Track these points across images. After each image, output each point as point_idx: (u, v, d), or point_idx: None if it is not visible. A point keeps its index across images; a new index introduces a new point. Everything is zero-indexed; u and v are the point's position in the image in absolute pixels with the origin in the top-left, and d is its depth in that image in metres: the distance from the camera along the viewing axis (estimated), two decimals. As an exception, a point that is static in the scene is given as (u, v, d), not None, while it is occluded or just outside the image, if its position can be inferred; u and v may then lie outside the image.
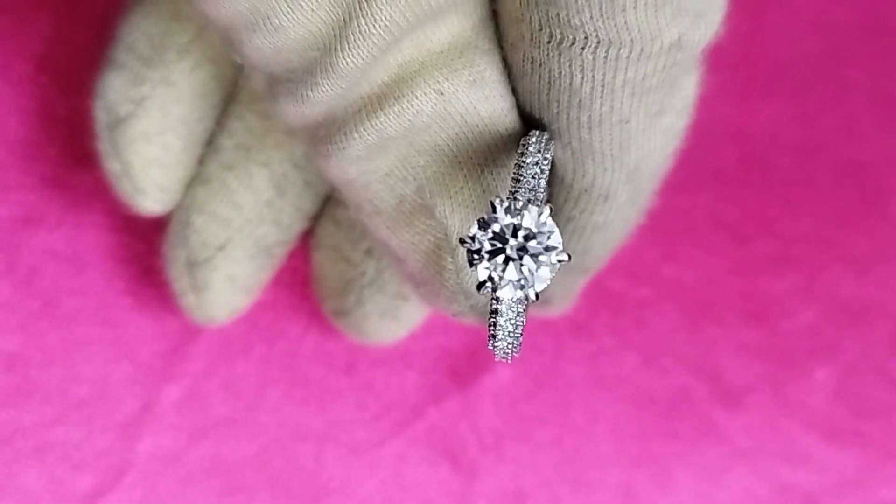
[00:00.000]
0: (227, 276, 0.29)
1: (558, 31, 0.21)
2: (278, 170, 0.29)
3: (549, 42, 0.22)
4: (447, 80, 0.23)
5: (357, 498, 0.31)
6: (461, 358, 0.32)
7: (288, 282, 0.31)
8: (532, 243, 0.22)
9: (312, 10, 0.21)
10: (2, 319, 0.31)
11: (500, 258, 0.22)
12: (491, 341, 0.23)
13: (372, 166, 0.23)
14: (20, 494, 0.30)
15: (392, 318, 0.29)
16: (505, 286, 0.22)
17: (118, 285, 0.31)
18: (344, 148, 0.23)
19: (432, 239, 0.24)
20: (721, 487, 0.31)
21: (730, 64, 0.33)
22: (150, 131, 0.28)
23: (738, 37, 0.33)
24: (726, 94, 0.33)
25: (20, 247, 0.31)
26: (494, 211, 0.22)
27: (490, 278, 0.22)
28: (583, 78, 0.22)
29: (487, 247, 0.22)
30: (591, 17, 0.21)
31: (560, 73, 0.22)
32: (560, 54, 0.22)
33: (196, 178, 0.29)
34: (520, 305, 0.23)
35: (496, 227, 0.22)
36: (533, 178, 0.22)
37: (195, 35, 0.28)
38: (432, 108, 0.23)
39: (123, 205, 0.29)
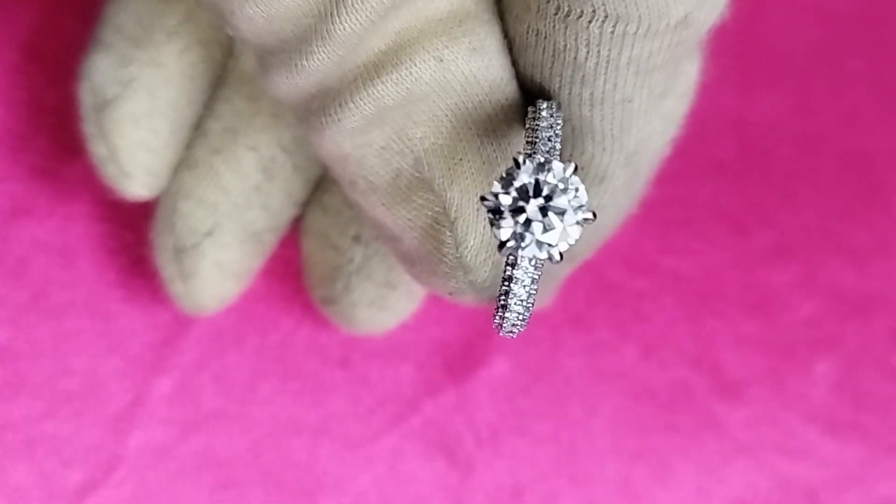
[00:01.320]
0: (215, 262, 0.28)
1: (566, 3, 0.21)
2: (266, 153, 0.29)
3: (555, 14, 0.21)
4: (447, 47, 0.22)
5: (351, 493, 0.31)
6: (457, 351, 0.31)
7: (281, 273, 0.31)
8: (557, 200, 0.21)
9: None
10: (-10, 311, 0.30)
11: (524, 216, 0.21)
12: (499, 313, 0.22)
13: (367, 139, 0.23)
14: (9, 490, 0.30)
15: (380, 308, 0.29)
16: (528, 245, 0.21)
17: (108, 277, 0.31)
18: (339, 119, 0.22)
19: (430, 213, 0.23)
20: (721, 481, 0.31)
21: (730, 54, 0.33)
22: (138, 113, 0.28)
23: (739, 26, 0.33)
24: (726, 83, 0.33)
25: (9, 238, 0.31)
26: (518, 167, 0.21)
27: (514, 236, 0.21)
28: (588, 52, 0.22)
29: (510, 204, 0.21)
30: None
31: (565, 46, 0.22)
32: (566, 27, 0.21)
33: (183, 163, 0.29)
34: (536, 271, 0.22)
35: (519, 183, 0.21)
36: (549, 140, 0.22)
37: (184, 17, 0.28)
38: (431, 75, 0.22)
39: (113, 195, 0.29)
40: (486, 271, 0.24)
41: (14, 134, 0.31)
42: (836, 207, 0.32)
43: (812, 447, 0.31)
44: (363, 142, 0.23)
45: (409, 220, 0.24)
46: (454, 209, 0.23)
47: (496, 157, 0.23)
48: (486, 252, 0.24)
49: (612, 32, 0.21)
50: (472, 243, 0.23)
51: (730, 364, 0.31)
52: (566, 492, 0.31)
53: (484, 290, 0.24)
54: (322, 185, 0.30)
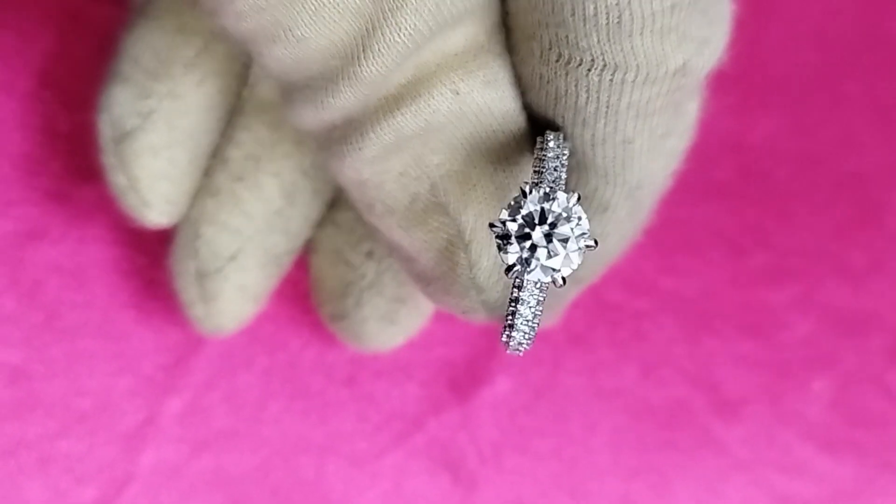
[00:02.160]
0: (237, 285, 0.29)
1: (566, 51, 0.22)
2: (288, 179, 0.29)
3: (557, 61, 0.22)
4: (462, 80, 0.23)
5: (358, 509, 0.31)
6: (461, 370, 0.32)
7: (289, 294, 0.32)
8: (561, 228, 0.22)
9: (335, 21, 0.21)
10: (5, 333, 0.31)
11: (529, 242, 0.22)
12: (507, 332, 0.23)
13: (386, 166, 0.24)
14: (24, 507, 0.30)
15: (390, 322, 0.30)
16: (533, 269, 0.22)
17: (121, 298, 0.32)
18: (360, 148, 0.23)
19: (445, 236, 0.24)
20: (719, 498, 0.31)
21: (728, 76, 0.33)
22: (157, 145, 0.28)
23: (736, 49, 0.34)
24: (724, 106, 0.33)
25: (24, 260, 0.31)
26: (524, 196, 0.22)
27: (520, 261, 0.22)
28: (588, 98, 0.22)
29: (516, 230, 0.22)
30: (598, 41, 0.21)
31: (566, 91, 0.22)
32: (567, 73, 0.22)
33: (204, 190, 0.29)
34: (540, 293, 0.23)
35: (525, 212, 0.22)
36: (555, 170, 0.23)
37: (201, 48, 0.29)
38: (448, 107, 0.23)
39: (126, 218, 0.29)
40: (497, 291, 0.25)
41: (29, 159, 0.32)
42: (832, 228, 0.33)
43: (808, 464, 0.32)
44: (382, 168, 0.24)
45: (425, 241, 0.24)
46: (468, 232, 0.24)
47: (508, 183, 0.24)
48: (498, 273, 0.24)
49: (611, 80, 0.22)
50: (484, 264, 0.24)
51: (728, 382, 0.32)
52: (567, 508, 0.32)
53: (495, 308, 0.25)
54: (335, 203, 0.30)
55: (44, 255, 0.32)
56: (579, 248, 0.22)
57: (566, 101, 0.23)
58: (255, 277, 0.29)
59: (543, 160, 0.23)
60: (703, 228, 0.32)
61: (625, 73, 0.22)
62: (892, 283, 0.32)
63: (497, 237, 0.22)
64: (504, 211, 0.22)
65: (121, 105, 0.29)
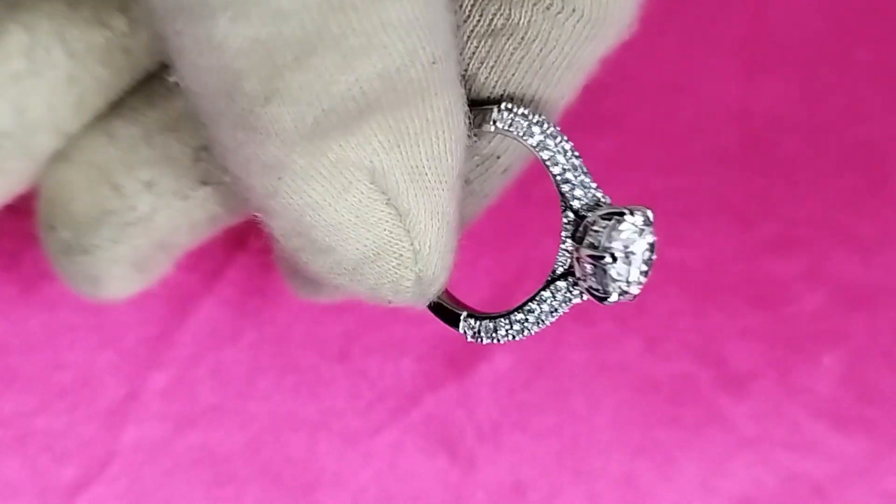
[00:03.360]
0: None
1: None
2: (42, 40, 0.23)
3: (535, 5, 0.22)
4: None
5: (351, 489, 0.30)
6: (458, 345, 0.31)
7: (276, 267, 0.30)
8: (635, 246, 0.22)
9: None
10: (-19, 305, 0.30)
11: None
12: (509, 333, 0.23)
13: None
14: (1, 485, 0.29)
15: (140, 270, 0.25)
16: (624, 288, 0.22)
17: (102, 269, 0.30)
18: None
19: (384, 228, 0.22)
20: (726, 476, 0.30)
21: (734, 43, 0.32)
22: None
23: (743, 16, 0.33)
24: (730, 73, 0.32)
25: (0, 232, 0.30)
26: (626, 215, 0.21)
27: (623, 280, 0.22)
28: (555, 47, 0.22)
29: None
30: None
31: (537, 37, 0.22)
32: (544, 19, 0.22)
33: None
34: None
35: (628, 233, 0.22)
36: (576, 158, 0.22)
37: None
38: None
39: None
40: (435, 262, 0.23)
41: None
42: (841, 198, 0.32)
43: (818, 441, 0.31)
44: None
45: (356, 235, 0.22)
46: (418, 222, 0.22)
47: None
48: (439, 242, 0.23)
49: (582, 33, 0.22)
50: (434, 255, 0.23)
51: (734, 357, 0.31)
52: (569, 487, 0.30)
53: (430, 299, 0.23)
54: (116, 111, 0.25)
55: (20, 225, 0.30)
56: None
57: (532, 48, 0.22)
58: None
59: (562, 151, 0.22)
60: (708, 198, 0.32)
61: (596, 28, 0.22)
62: (903, 254, 0.32)
63: (601, 264, 0.22)
64: (612, 235, 0.21)
65: None
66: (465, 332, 0.23)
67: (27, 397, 0.29)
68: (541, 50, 0.22)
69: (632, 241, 0.21)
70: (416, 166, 0.22)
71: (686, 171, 0.31)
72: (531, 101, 0.23)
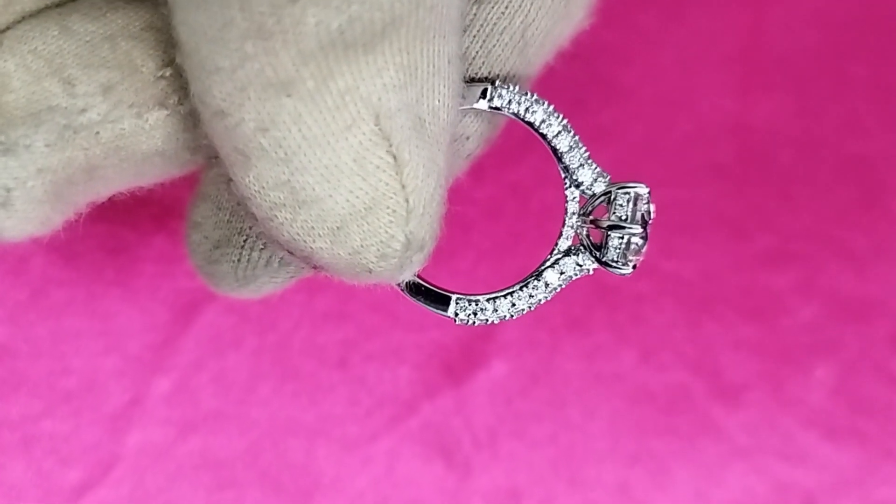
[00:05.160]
0: None
1: None
2: None
3: None
4: None
5: (349, 494, 0.30)
6: (455, 353, 0.31)
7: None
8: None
9: None
10: (-11, 310, 0.30)
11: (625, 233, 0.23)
12: (490, 301, 0.23)
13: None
14: (6, 488, 0.29)
15: (55, 199, 0.22)
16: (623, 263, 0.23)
17: (107, 276, 0.31)
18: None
19: (382, 178, 0.21)
20: (719, 485, 0.31)
21: (730, 58, 0.33)
22: None
23: (739, 31, 0.33)
24: (726, 87, 0.33)
25: (9, 237, 0.31)
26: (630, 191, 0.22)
27: (619, 252, 0.23)
28: (534, 19, 0.22)
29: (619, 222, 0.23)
30: None
31: (520, 6, 0.22)
32: None
33: None
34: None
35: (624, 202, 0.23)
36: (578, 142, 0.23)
37: None
38: None
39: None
40: (427, 222, 0.21)
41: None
42: (835, 212, 0.32)
43: (810, 452, 0.31)
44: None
45: (350, 184, 0.20)
46: (405, 151, 0.21)
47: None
48: (434, 205, 0.21)
49: (559, 10, 0.22)
50: (426, 217, 0.21)
51: (729, 368, 0.31)
52: (564, 494, 0.31)
53: (413, 270, 0.22)
54: (76, 5, 0.22)
55: (29, 232, 0.31)
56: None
57: (514, 19, 0.22)
58: None
59: (560, 132, 0.23)
60: (704, 211, 0.32)
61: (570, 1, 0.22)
62: (896, 268, 0.32)
63: (619, 239, 0.23)
64: (624, 208, 0.22)
65: None
66: (455, 313, 0.23)
67: (33, 401, 0.30)
68: (521, 21, 0.22)
69: (649, 214, 0.23)
70: (420, 116, 0.21)
71: (682, 184, 0.32)
72: (509, 78, 0.23)
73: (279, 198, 0.20)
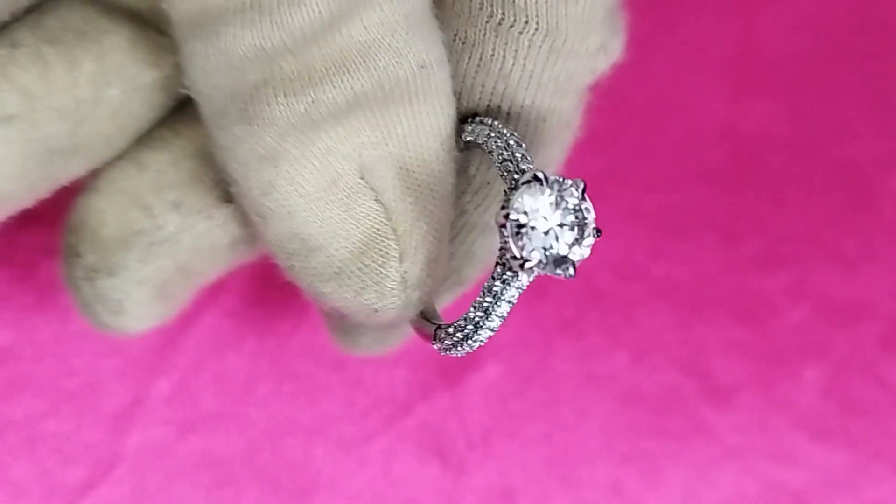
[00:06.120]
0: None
1: (499, 10, 0.22)
2: (112, 69, 0.24)
3: (487, 21, 0.22)
4: (426, 51, 0.22)
5: (345, 493, 0.31)
6: (450, 356, 0.32)
7: (278, 278, 0.31)
8: (582, 219, 0.21)
9: None
10: (-5, 313, 0.31)
11: (553, 235, 0.21)
12: (474, 333, 0.22)
13: (314, 137, 0.22)
14: (10, 486, 0.30)
15: (161, 297, 0.25)
16: (547, 264, 0.21)
17: (111, 280, 0.31)
18: (290, 106, 0.22)
19: (372, 224, 0.23)
20: (709, 485, 0.31)
21: (722, 63, 0.33)
22: None
23: (731, 36, 0.34)
24: (717, 92, 0.33)
25: (16, 242, 0.31)
26: (541, 183, 0.21)
27: (544, 256, 0.21)
28: (514, 63, 0.22)
29: (536, 223, 0.21)
30: (536, 1, 0.22)
31: (493, 54, 0.22)
32: (497, 35, 0.22)
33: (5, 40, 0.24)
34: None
35: (542, 203, 0.21)
36: (521, 155, 0.22)
37: None
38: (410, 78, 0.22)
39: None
40: (426, 287, 0.23)
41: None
42: (826, 215, 0.32)
43: (800, 452, 0.31)
44: (308, 139, 0.22)
45: (345, 230, 0.23)
46: (405, 221, 0.23)
47: (449, 170, 0.23)
48: (429, 268, 0.23)
49: (541, 46, 0.22)
50: (419, 258, 0.23)
51: (719, 369, 0.32)
52: (557, 494, 0.31)
53: (415, 307, 0.24)
54: (143, 142, 0.25)
55: (36, 236, 0.32)
56: (591, 237, 0.21)
57: (490, 67, 0.23)
58: (17, 152, 0.23)
59: (507, 146, 0.22)
60: (695, 215, 0.32)
61: (554, 40, 0.22)
62: (885, 271, 0.32)
63: (516, 228, 0.21)
64: (521, 198, 0.21)
65: None
66: (438, 348, 0.23)
67: (37, 401, 0.31)
68: (500, 68, 0.23)
69: (543, 204, 0.21)
70: (405, 167, 0.23)
71: (674, 189, 0.32)
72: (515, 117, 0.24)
73: (293, 248, 0.23)
